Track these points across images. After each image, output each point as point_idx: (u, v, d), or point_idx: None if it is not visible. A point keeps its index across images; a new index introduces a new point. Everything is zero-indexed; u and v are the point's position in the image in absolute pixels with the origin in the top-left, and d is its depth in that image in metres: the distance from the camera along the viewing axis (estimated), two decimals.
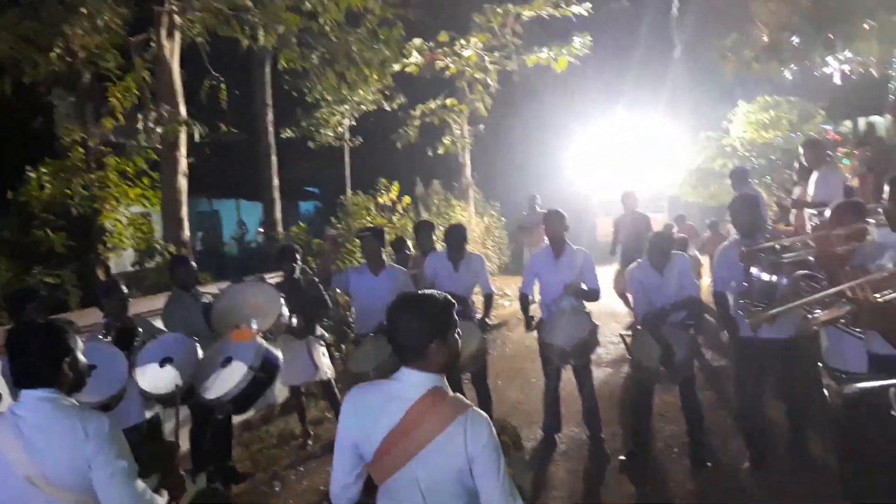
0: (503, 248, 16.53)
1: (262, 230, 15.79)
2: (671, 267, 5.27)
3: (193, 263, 5.62)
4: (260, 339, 4.16)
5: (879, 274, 2.86)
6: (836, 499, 4.39)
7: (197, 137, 8.98)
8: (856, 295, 2.69)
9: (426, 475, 2.16)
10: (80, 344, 2.56)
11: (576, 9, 12.43)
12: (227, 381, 3.97)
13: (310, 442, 6.45)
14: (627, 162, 16.47)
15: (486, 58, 13.29)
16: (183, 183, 8.92)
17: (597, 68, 15.29)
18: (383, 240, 5.63)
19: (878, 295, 2.70)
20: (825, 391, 3.82)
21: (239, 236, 17.63)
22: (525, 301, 5.96)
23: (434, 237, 6.54)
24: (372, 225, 10.61)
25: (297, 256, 6.03)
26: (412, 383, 2.20)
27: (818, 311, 3.22)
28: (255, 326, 4.33)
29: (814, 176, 7.19)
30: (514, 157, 18.10)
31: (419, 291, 2.31)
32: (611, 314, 9.39)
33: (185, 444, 4.80)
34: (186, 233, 9.04)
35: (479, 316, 6.06)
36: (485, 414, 2.21)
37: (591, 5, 12.50)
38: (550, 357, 5.56)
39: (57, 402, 2.39)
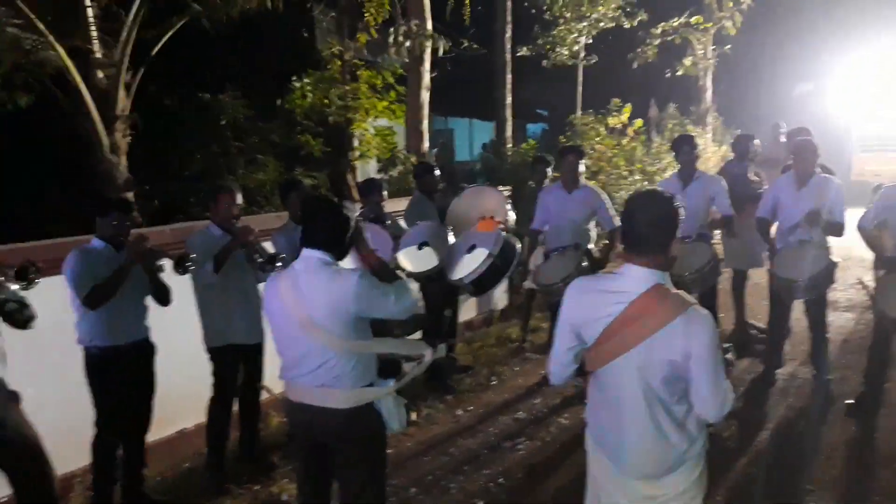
0: None
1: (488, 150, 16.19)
2: None
3: (437, 172, 6.13)
4: (501, 230, 4.54)
5: None
6: None
7: (441, 52, 9.41)
8: None
9: (643, 365, 2.23)
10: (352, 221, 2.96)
11: None
12: (469, 264, 4.43)
13: (526, 345, 6.91)
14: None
15: None
16: (425, 97, 9.47)
17: None
18: (582, 158, 5.84)
19: None
20: None
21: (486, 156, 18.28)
22: (763, 224, 5.58)
23: (695, 152, 5.93)
24: (599, 145, 10.59)
25: (548, 170, 6.72)
26: (637, 278, 2.26)
27: None
28: (498, 218, 4.73)
29: None
30: (763, 82, 16.56)
31: (657, 191, 2.38)
32: (858, 258, 8.53)
33: None
34: (427, 144, 9.65)
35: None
36: (708, 312, 2.23)
37: None
38: (780, 290, 5.30)
39: (327, 262, 2.83)
